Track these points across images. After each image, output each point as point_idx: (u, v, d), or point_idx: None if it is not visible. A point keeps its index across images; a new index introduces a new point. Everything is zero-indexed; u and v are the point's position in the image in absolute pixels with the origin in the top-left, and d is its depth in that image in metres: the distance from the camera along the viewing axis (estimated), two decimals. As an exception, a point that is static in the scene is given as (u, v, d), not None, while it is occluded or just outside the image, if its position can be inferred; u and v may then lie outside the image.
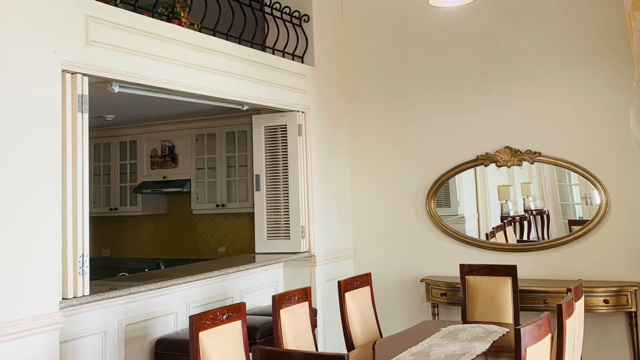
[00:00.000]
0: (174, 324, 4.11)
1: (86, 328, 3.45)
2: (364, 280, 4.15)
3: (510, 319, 4.14)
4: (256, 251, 5.19)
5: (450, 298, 4.96)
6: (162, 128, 6.66)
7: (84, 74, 3.31)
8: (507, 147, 5.09)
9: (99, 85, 3.61)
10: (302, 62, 5.30)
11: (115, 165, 6.97)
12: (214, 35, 4.37)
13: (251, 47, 4.75)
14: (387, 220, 5.59)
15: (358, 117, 5.78)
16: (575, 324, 3.06)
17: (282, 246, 5.09)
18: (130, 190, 6.85)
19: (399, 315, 5.33)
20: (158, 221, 7.04)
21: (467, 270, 4.39)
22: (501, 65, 5.17)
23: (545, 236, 5.16)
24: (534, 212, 5.30)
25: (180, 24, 4.12)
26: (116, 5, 3.69)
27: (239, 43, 4.60)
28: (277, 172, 5.19)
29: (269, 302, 4.52)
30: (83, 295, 3.21)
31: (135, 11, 3.74)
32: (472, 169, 5.29)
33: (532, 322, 2.39)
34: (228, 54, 4.41)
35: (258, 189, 5.24)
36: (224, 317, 3.03)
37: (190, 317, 2.89)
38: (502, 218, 5.38)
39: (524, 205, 5.36)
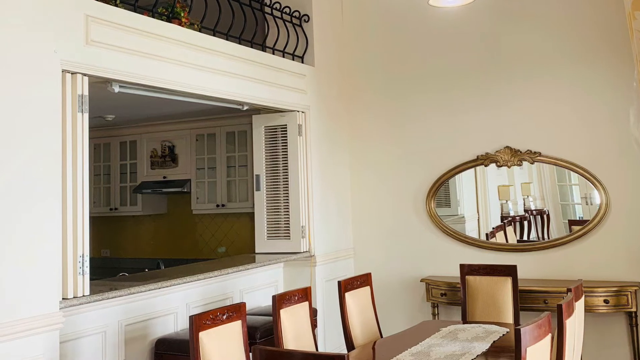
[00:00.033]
0: (174, 324, 4.11)
1: (86, 328, 3.45)
2: (364, 280, 4.15)
3: (510, 319, 4.14)
4: (256, 251, 5.19)
5: (451, 298, 4.96)
6: (162, 128, 6.66)
7: (84, 74, 3.31)
8: (507, 147, 5.09)
9: (99, 85, 3.61)
10: (302, 62, 5.30)
11: (115, 165, 6.97)
12: (214, 35, 4.37)
13: (251, 47, 4.75)
14: (387, 220, 5.59)
15: (358, 117, 5.78)
16: (575, 324, 3.06)
17: (282, 246, 5.09)
18: (130, 190, 6.85)
19: (399, 315, 5.33)
20: (158, 221, 7.04)
21: (467, 270, 4.39)
22: (501, 65, 5.17)
23: (546, 236, 5.16)
24: (534, 212, 5.30)
25: (180, 24, 4.12)
26: (116, 5, 3.69)
27: (239, 43, 4.60)
28: (277, 172, 5.19)
29: (269, 302, 4.52)
30: (83, 295, 3.21)
31: (135, 11, 3.74)
32: (472, 169, 5.29)
33: (532, 322, 2.39)
34: (228, 54, 4.41)
35: (258, 189, 5.24)
36: (224, 317, 3.04)
37: (191, 317, 2.89)
38: (502, 218, 5.38)
39: (524, 205, 5.36)
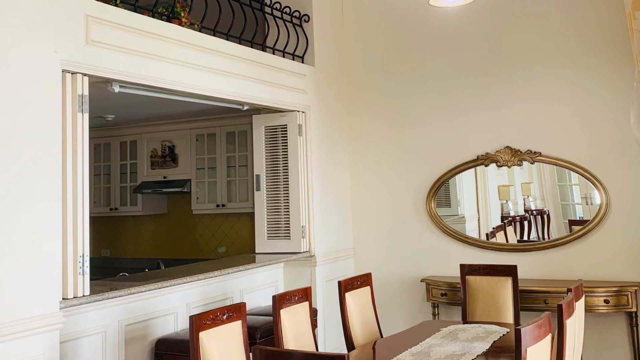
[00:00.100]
0: (174, 324, 4.10)
1: (86, 328, 3.45)
2: (364, 280, 4.15)
3: (510, 319, 4.14)
4: (256, 251, 5.19)
5: (451, 298, 4.96)
6: (162, 128, 6.66)
7: (84, 74, 3.31)
8: (507, 147, 5.09)
9: (99, 85, 3.61)
10: (302, 62, 5.30)
11: (115, 165, 6.97)
12: (214, 35, 4.37)
13: (251, 47, 4.74)
14: (388, 220, 5.59)
15: (358, 117, 5.78)
16: (575, 324, 3.06)
17: (282, 246, 5.09)
18: (130, 190, 6.85)
19: (399, 315, 5.33)
20: (158, 221, 7.04)
21: (468, 270, 4.39)
22: (501, 65, 5.17)
23: (546, 236, 5.16)
24: (534, 212, 5.30)
25: (180, 24, 4.12)
26: (116, 5, 3.68)
27: (239, 43, 4.60)
28: (277, 172, 5.19)
29: (269, 302, 4.52)
30: (83, 295, 3.21)
31: (135, 11, 3.74)
32: (473, 169, 5.29)
33: (532, 322, 2.39)
34: (228, 54, 4.41)
35: (258, 189, 5.24)
36: (224, 317, 3.04)
37: (191, 317, 2.89)
38: (503, 218, 5.38)
39: (524, 205, 5.36)
